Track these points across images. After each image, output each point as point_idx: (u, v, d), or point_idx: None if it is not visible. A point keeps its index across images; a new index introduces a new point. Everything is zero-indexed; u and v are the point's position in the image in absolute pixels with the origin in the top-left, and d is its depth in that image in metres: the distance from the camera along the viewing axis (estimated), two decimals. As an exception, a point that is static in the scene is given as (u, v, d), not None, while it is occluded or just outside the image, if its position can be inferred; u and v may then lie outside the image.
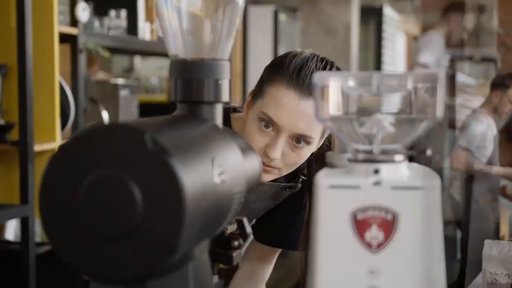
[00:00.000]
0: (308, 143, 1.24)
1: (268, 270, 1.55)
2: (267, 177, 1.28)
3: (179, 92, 0.81)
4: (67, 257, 0.62)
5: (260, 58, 4.62)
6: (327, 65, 1.25)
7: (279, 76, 1.23)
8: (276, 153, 1.23)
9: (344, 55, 5.42)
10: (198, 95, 0.80)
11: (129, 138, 0.61)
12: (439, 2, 9.96)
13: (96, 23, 2.91)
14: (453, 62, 4.68)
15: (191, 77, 0.80)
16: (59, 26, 2.53)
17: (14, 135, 2.38)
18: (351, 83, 0.71)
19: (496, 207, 4.40)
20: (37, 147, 2.40)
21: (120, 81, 3.10)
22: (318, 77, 0.71)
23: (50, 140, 2.47)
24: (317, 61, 1.24)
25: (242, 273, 1.51)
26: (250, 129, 1.26)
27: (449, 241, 4.16)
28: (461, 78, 4.71)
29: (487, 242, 2.02)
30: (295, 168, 1.30)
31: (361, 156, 0.71)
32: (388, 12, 7.50)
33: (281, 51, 5.73)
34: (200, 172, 0.65)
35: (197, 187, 0.63)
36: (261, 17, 4.77)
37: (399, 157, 0.71)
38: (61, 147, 0.63)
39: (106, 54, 2.77)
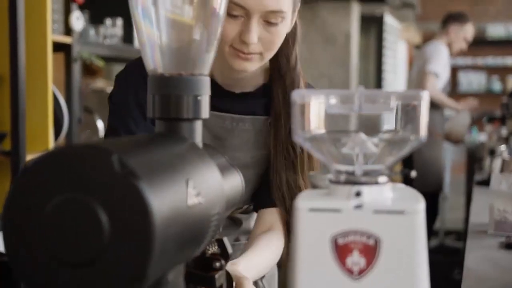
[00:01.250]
0: (281, 18, 1.20)
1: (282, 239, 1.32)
2: (250, 66, 1.24)
3: (157, 108, 0.78)
4: (30, 282, 0.59)
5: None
6: None
7: None
8: (252, 37, 1.19)
9: (344, 64, 5.39)
10: (177, 112, 0.77)
11: (96, 160, 0.58)
12: (440, 10, 9.95)
13: (92, 31, 2.89)
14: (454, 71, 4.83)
15: (169, 92, 0.77)
16: (53, 35, 2.50)
17: (6, 145, 2.36)
18: (333, 101, 0.68)
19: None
20: (30, 157, 2.37)
21: (116, 90, 3.06)
22: (298, 94, 0.68)
23: (43, 150, 2.44)
24: None
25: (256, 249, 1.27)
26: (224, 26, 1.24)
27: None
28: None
29: (495, 176, 1.90)
30: (275, 50, 1.25)
31: (342, 177, 0.68)
32: (389, 20, 7.48)
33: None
34: (172, 195, 0.62)
35: (168, 210, 0.60)
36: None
37: (382, 179, 0.68)
38: (27, 168, 0.60)
39: (100, 63, 2.74)
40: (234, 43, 1.22)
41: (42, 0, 2.44)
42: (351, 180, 0.67)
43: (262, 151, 1.34)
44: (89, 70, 3.29)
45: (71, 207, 0.58)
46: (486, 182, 2.64)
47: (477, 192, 2.74)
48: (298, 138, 0.68)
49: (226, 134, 1.33)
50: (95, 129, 2.85)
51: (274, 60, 1.32)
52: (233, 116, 1.33)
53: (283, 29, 1.23)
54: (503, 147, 3.05)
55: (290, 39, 1.31)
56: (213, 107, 1.28)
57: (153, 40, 0.79)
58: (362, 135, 0.68)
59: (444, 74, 4.55)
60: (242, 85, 1.36)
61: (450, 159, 6.03)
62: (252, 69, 1.26)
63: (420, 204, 0.65)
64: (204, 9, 0.80)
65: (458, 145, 5.16)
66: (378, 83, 7.40)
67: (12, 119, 2.31)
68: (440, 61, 4.42)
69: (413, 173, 0.68)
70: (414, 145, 0.68)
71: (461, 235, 5.23)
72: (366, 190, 0.66)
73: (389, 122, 0.68)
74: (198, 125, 0.79)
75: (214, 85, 1.31)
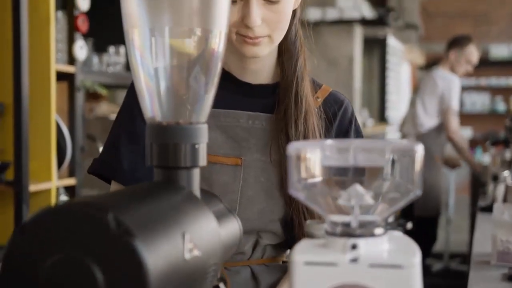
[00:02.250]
0: None
1: None
2: (260, 50, 1.17)
3: (155, 157, 0.78)
4: None
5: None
6: None
7: None
8: (255, 19, 1.12)
9: (347, 87, 5.41)
10: (175, 161, 0.78)
11: (92, 219, 0.59)
12: (443, 31, 9.99)
13: (95, 59, 2.91)
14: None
15: (167, 141, 0.78)
16: (57, 65, 2.52)
17: (9, 174, 2.36)
18: (328, 153, 0.68)
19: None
20: (33, 187, 2.38)
21: (120, 117, 3.08)
22: (293, 147, 0.68)
23: (46, 179, 2.45)
24: None
25: None
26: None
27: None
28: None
29: (497, 206, 1.87)
30: (284, 30, 1.18)
31: (338, 229, 0.68)
32: (392, 42, 7.51)
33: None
34: (168, 251, 0.62)
35: (165, 267, 0.61)
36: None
37: (378, 231, 0.68)
38: (24, 225, 0.61)
39: (103, 91, 2.76)
40: (239, 29, 1.15)
41: (46, 29, 2.45)
42: (347, 232, 0.67)
43: (284, 152, 1.23)
44: (92, 94, 3.31)
45: (68, 265, 0.58)
46: (489, 208, 2.63)
47: (481, 219, 2.73)
48: (294, 189, 0.69)
49: (242, 134, 1.23)
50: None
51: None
52: (249, 114, 1.23)
53: (287, 6, 1.16)
54: (506, 173, 3.04)
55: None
56: (228, 104, 1.25)
57: (151, 88, 0.79)
58: (358, 187, 0.69)
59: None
60: (259, 75, 1.27)
61: (454, 180, 6.01)
62: (264, 53, 1.18)
63: (416, 258, 0.65)
64: (203, 54, 0.80)
65: (455, 170, 5.16)
66: (382, 105, 7.41)
67: (15, 148, 2.32)
68: (457, 95, 4.47)
69: (409, 225, 0.68)
70: (410, 198, 0.68)
71: (467, 258, 5.20)
72: (362, 242, 0.66)
73: (384, 174, 0.69)
74: (196, 173, 0.79)
75: (229, 77, 1.27)
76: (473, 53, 4.62)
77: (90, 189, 2.68)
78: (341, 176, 0.70)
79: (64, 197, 2.71)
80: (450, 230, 5.57)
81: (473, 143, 10.02)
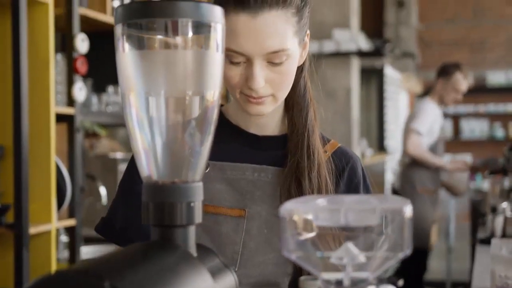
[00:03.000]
0: (286, 56, 1.14)
1: None
2: (264, 109, 1.18)
3: (152, 216, 0.80)
4: None
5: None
6: None
7: (223, 5, 1.11)
8: (258, 82, 1.13)
9: (345, 118, 5.44)
10: (170, 219, 0.79)
11: (89, 287, 0.60)
12: (440, 59, 10.07)
13: (95, 99, 2.94)
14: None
15: (163, 200, 0.80)
16: (56, 107, 2.55)
17: (9, 217, 2.38)
18: (320, 213, 0.70)
19: (436, 200, 4.54)
20: (33, 229, 2.39)
21: (119, 155, 3.11)
22: (285, 209, 0.70)
23: (46, 221, 2.46)
24: None
25: None
26: (224, 72, 1.16)
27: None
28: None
29: (495, 241, 1.87)
30: (288, 88, 1.18)
31: (331, 287, 0.70)
32: (389, 71, 7.56)
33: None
34: (164, 315, 0.63)
35: (160, 331, 0.62)
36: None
37: (370, 288, 0.69)
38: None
39: (102, 132, 2.78)
40: (242, 89, 1.16)
41: (45, 72, 2.49)
42: (340, 291, 0.69)
43: None
44: (93, 132, 3.34)
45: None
46: (488, 241, 2.64)
47: (480, 251, 2.73)
48: (286, 250, 0.70)
49: (247, 186, 1.23)
50: (98, 196, 2.87)
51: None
52: (254, 167, 1.23)
53: (291, 66, 1.17)
54: (504, 204, 3.05)
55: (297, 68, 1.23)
56: (234, 156, 1.26)
57: (147, 148, 0.81)
58: (350, 245, 0.70)
59: (432, 131, 4.54)
60: (266, 127, 1.28)
61: (455, 208, 6.02)
62: (268, 111, 1.19)
63: (407, 316, 0.67)
64: (198, 115, 0.82)
65: (459, 197, 5.16)
66: (380, 134, 7.44)
67: (15, 191, 2.34)
68: (424, 118, 4.44)
69: (400, 282, 0.70)
70: (401, 256, 0.69)
71: (469, 286, 5.18)
72: (354, 301, 0.68)
73: (375, 233, 0.70)
74: (192, 230, 0.81)
75: (236, 129, 1.27)
76: (459, 81, 4.62)
77: (90, 229, 2.69)
78: (333, 235, 0.72)
79: (64, 238, 2.72)
80: (452, 258, 5.56)
81: (473, 170, 10.04)
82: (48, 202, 2.47)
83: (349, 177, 1.25)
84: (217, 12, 0.79)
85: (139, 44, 0.79)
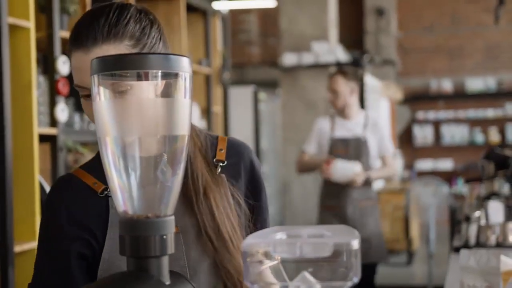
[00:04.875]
0: (130, 86, 1.08)
1: None
2: None
3: (128, 248, 0.88)
4: None
5: (242, 137, 4.70)
6: (104, 9, 1.18)
7: (69, 45, 1.20)
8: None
9: (325, 129, 5.53)
10: (145, 251, 0.87)
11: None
12: (420, 66, 10.22)
13: (77, 118, 3.01)
14: None
15: (138, 234, 0.87)
16: (39, 127, 2.61)
17: (-6, 236, 2.43)
18: (278, 248, 0.78)
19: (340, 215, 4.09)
20: (17, 248, 2.45)
21: (102, 171, 3.16)
22: (247, 243, 0.78)
23: (30, 239, 2.52)
24: (96, 10, 1.19)
25: None
26: (83, 107, 1.21)
27: None
28: None
29: (463, 252, 1.95)
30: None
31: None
32: (369, 80, 7.67)
33: (262, 128, 5.85)
34: None
35: None
36: (242, 96, 4.88)
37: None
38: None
39: (84, 151, 2.85)
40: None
41: (28, 94, 2.55)
42: (297, 317, 0.77)
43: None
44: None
45: None
46: (462, 248, 2.71)
47: (454, 259, 2.82)
48: (249, 281, 0.78)
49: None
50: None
51: None
52: None
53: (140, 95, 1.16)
54: (477, 213, 3.13)
55: None
56: None
57: (122, 186, 0.89)
58: (307, 275, 0.78)
59: (320, 151, 4.16)
60: None
61: (435, 214, 6.11)
62: None
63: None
64: (169, 156, 0.90)
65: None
66: (361, 142, 7.53)
67: (0, 210, 2.40)
68: (314, 139, 4.15)
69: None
70: (350, 284, 0.77)
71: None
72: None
73: (328, 263, 0.78)
74: (165, 260, 0.89)
75: None
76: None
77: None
78: (290, 265, 0.80)
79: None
80: (433, 263, 5.66)
81: (454, 175, 10.20)
82: (33, 221, 2.53)
83: (249, 167, 1.32)
84: (185, 62, 0.87)
85: (114, 93, 0.86)
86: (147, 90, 0.88)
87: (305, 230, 0.83)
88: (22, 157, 2.53)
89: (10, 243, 2.40)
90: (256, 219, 1.32)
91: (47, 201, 1.28)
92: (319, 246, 0.78)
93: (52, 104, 2.71)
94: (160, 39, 1.22)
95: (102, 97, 0.87)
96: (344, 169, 3.93)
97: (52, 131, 2.70)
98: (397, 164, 4.25)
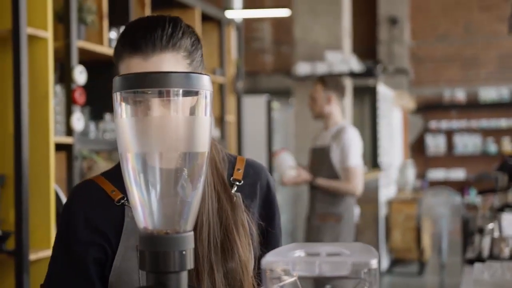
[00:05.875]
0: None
1: None
2: None
3: (148, 263, 0.89)
4: None
5: (255, 146, 4.73)
6: (159, 20, 1.21)
7: (121, 51, 1.20)
8: None
9: (338, 138, 5.52)
10: (165, 266, 0.88)
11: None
12: (433, 75, 10.19)
13: (92, 127, 3.03)
14: None
15: (158, 249, 0.89)
16: (55, 137, 2.64)
17: (10, 244, 2.46)
18: (297, 266, 0.79)
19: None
20: (33, 256, 2.47)
21: (116, 179, 3.18)
22: (267, 261, 0.79)
23: (45, 247, 2.54)
24: (150, 19, 1.22)
25: None
26: None
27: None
28: None
29: (477, 266, 1.96)
30: None
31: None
32: (382, 89, 7.67)
33: (275, 137, 5.87)
34: None
35: None
36: (255, 105, 4.90)
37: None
38: None
39: (98, 159, 2.87)
40: None
41: (45, 103, 2.58)
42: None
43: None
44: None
45: None
46: (476, 261, 2.70)
47: (467, 273, 2.81)
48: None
49: None
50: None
51: None
52: None
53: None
54: (491, 225, 3.12)
55: None
56: None
57: (143, 203, 0.90)
58: (325, 292, 0.79)
59: None
60: None
61: (447, 226, 6.10)
62: None
63: None
64: (189, 172, 0.91)
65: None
66: (374, 152, 7.53)
67: (16, 220, 2.42)
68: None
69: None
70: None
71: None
72: None
73: (347, 280, 0.79)
74: (184, 276, 0.90)
75: None
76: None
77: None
78: (308, 282, 0.81)
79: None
80: (445, 274, 5.64)
81: (466, 185, 10.16)
82: (48, 229, 2.55)
83: (266, 189, 1.34)
84: (205, 80, 0.89)
85: (135, 111, 0.88)
86: (168, 108, 0.90)
87: (323, 248, 0.84)
88: (38, 165, 2.55)
89: (26, 251, 2.42)
90: (269, 241, 1.33)
91: (66, 204, 1.30)
92: (338, 264, 0.78)
93: (68, 113, 2.74)
94: (202, 55, 1.26)
95: (123, 115, 0.88)
96: (282, 162, 3.90)
97: (68, 140, 2.72)
98: (357, 181, 3.79)
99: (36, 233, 2.53)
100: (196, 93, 0.89)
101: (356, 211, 4.07)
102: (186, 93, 0.88)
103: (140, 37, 1.19)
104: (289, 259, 0.79)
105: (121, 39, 1.22)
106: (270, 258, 0.80)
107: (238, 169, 1.33)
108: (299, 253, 0.81)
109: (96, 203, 1.28)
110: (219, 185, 1.28)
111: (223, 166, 1.30)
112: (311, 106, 4.00)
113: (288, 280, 0.81)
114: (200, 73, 0.89)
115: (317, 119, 4.05)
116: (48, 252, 2.55)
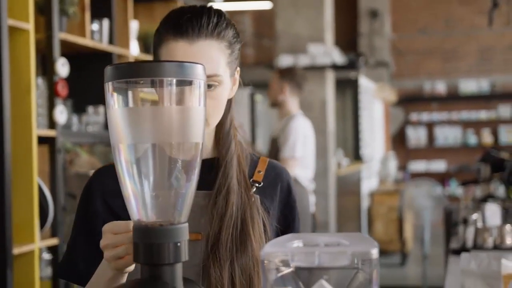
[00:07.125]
0: (218, 82, 1.20)
1: None
2: None
3: (142, 255, 0.88)
4: None
5: (238, 139, 4.70)
6: (204, 8, 1.23)
7: (164, 35, 1.20)
8: None
9: (321, 131, 5.54)
10: (159, 258, 0.87)
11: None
12: (414, 68, 10.24)
13: (75, 120, 3.00)
14: None
15: (152, 241, 0.87)
16: (38, 129, 2.60)
17: (-8, 239, 2.42)
18: (296, 257, 0.78)
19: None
20: (16, 250, 2.44)
21: (99, 173, 3.15)
22: (266, 252, 0.78)
23: (29, 241, 2.51)
24: (194, 7, 1.24)
25: None
26: None
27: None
28: None
29: (464, 256, 1.96)
30: (219, 115, 1.23)
31: (306, 322, 0.78)
32: (364, 82, 7.69)
33: (259, 131, 5.87)
34: None
35: None
36: (238, 98, 4.87)
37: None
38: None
39: (83, 153, 2.84)
40: None
41: (27, 96, 2.54)
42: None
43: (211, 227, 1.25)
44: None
45: None
46: (460, 251, 2.71)
47: (452, 262, 2.82)
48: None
49: (201, 211, 1.25)
50: (80, 214, 2.91)
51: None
52: (205, 192, 1.26)
53: (222, 93, 1.22)
54: (475, 216, 3.14)
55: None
56: None
57: (136, 195, 0.89)
58: (324, 283, 0.78)
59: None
60: None
61: (430, 216, 6.13)
62: None
63: None
64: (183, 164, 0.90)
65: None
66: (356, 144, 7.56)
67: (-1, 214, 2.39)
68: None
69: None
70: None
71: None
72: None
73: (346, 271, 0.78)
74: (179, 267, 0.89)
75: None
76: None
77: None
78: (308, 274, 0.80)
79: (46, 256, 2.77)
80: (427, 264, 5.67)
81: (447, 176, 10.23)
82: (31, 223, 2.52)
83: (286, 191, 1.33)
84: (199, 70, 0.87)
85: (128, 101, 0.86)
86: (161, 98, 0.88)
87: (321, 238, 0.83)
88: (21, 159, 2.52)
89: (9, 246, 2.39)
90: None
91: (87, 184, 1.30)
92: (337, 255, 0.78)
93: (51, 106, 2.70)
94: (239, 49, 1.27)
95: (116, 105, 0.87)
96: None
97: (51, 133, 2.69)
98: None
99: (20, 227, 2.49)
100: (190, 83, 0.87)
101: (311, 199, 4.02)
102: (180, 83, 0.86)
103: (187, 20, 1.19)
104: (288, 250, 0.78)
105: (164, 24, 1.22)
106: (269, 249, 0.78)
107: (259, 171, 1.32)
108: (297, 243, 0.80)
109: (113, 186, 1.26)
110: (242, 182, 1.28)
111: (244, 164, 1.30)
112: (267, 93, 4.09)
113: (286, 270, 0.80)
114: (194, 62, 0.87)
115: (273, 108, 4.13)
116: (32, 246, 2.52)
